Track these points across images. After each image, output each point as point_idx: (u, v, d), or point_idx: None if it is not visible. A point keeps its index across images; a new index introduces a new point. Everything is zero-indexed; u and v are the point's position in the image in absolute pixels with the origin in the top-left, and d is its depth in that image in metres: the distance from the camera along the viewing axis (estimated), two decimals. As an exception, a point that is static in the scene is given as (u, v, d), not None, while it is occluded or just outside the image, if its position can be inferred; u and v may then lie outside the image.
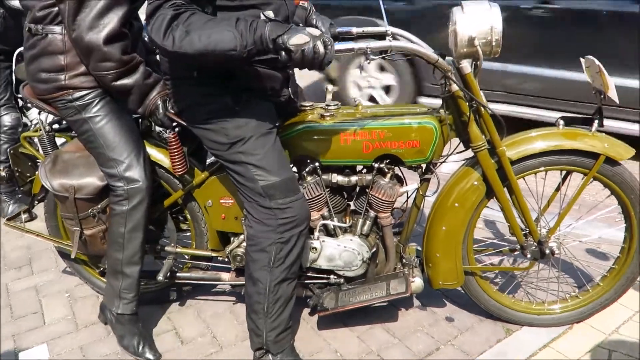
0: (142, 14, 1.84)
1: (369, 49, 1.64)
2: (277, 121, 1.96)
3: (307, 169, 2.05)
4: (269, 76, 1.86)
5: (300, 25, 1.49)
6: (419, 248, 2.30)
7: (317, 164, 2.03)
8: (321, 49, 1.48)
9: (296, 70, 1.95)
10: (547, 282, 2.42)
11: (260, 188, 1.83)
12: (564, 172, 2.09)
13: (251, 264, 1.90)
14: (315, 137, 1.99)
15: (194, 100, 1.85)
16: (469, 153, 2.01)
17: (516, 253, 2.26)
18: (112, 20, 1.83)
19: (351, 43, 1.63)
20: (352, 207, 2.20)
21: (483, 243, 2.30)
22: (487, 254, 2.36)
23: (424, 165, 2.04)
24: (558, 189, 2.15)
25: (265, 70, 1.84)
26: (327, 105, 2.08)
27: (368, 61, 1.67)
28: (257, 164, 1.82)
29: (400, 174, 2.13)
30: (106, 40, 1.83)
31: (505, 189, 2.02)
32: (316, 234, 2.10)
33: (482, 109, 1.90)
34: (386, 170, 2.01)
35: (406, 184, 2.11)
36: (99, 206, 2.06)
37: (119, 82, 1.91)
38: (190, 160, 2.12)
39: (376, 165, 2.00)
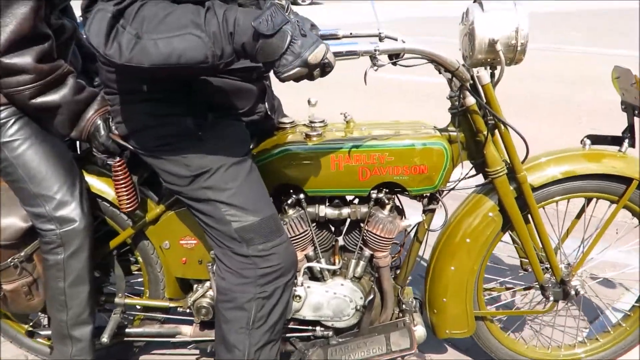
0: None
1: (377, 52, 1.28)
2: (251, 143, 1.58)
3: (288, 201, 1.67)
4: (240, 90, 1.48)
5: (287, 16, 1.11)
6: (416, 290, 1.96)
7: (301, 195, 1.66)
8: (330, 55, 1.11)
9: (273, 78, 1.58)
10: (560, 321, 2.12)
11: (234, 231, 1.44)
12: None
13: (224, 325, 1.51)
14: (299, 161, 1.62)
15: (144, 122, 1.44)
16: (479, 177, 1.69)
17: (530, 291, 1.95)
18: (12, 21, 1.38)
19: (355, 45, 1.27)
20: (341, 243, 1.84)
21: (494, 282, 1.98)
22: (498, 293, 2.05)
23: (428, 194, 1.70)
24: (579, 216, 1.86)
25: (235, 82, 1.46)
26: (312, 122, 1.71)
27: (376, 68, 1.32)
28: (229, 201, 1.43)
29: (399, 204, 1.78)
30: (5, 48, 1.39)
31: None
32: (300, 278, 1.72)
33: (502, 126, 1.58)
34: (386, 201, 1.66)
35: (405, 217, 1.77)
36: (22, 254, 1.61)
37: (39, 100, 1.46)
38: (141, 190, 1.70)
39: (374, 195, 1.64)
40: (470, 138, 1.64)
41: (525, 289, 1.95)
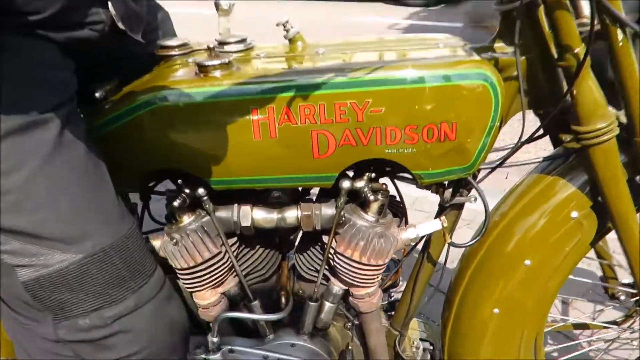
0: None
1: None
2: (71, 93, 0.73)
3: (177, 202, 0.84)
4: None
5: None
6: (424, 325, 1.17)
7: (200, 189, 0.83)
8: None
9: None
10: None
11: (24, 289, 0.64)
12: None
13: None
14: (188, 125, 0.78)
15: None
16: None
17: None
18: None
19: None
20: (292, 263, 1.04)
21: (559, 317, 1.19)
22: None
23: (452, 180, 0.87)
24: None
25: None
26: (221, 43, 0.87)
27: None
28: (7, 223, 0.62)
29: (397, 194, 0.97)
30: None
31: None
32: (213, 338, 0.92)
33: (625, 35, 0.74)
34: (369, 195, 0.83)
35: (406, 223, 0.95)
36: None
37: None
38: None
39: (345, 185, 0.82)
40: (539, 65, 0.81)
41: (610, 326, 1.15)
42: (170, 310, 0.76)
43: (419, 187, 0.87)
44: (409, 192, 0.99)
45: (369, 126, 0.76)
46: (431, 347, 1.11)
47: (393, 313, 1.07)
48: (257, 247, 0.95)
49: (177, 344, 0.79)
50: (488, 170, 0.90)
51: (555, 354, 1.26)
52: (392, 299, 1.20)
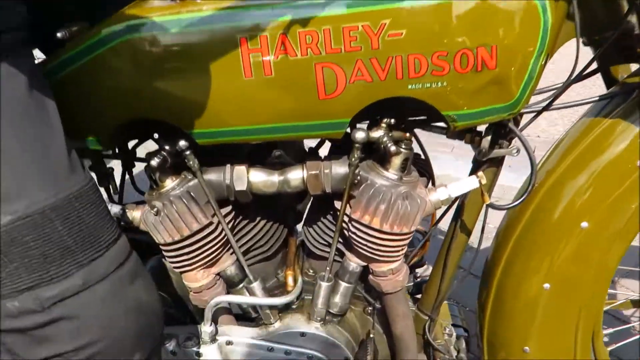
0: None
1: None
2: (17, 22, 0.58)
3: (154, 160, 0.69)
4: None
5: None
6: (458, 307, 1.02)
7: (182, 142, 0.68)
8: None
9: None
10: None
11: None
12: None
13: None
14: (164, 62, 0.63)
15: None
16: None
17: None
18: None
19: None
20: (301, 238, 0.89)
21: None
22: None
23: (492, 123, 0.72)
24: None
25: None
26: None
27: None
28: None
29: (421, 151, 0.82)
30: None
31: None
32: (207, 327, 0.77)
33: None
34: (389, 146, 0.67)
35: (433, 182, 0.80)
36: None
37: None
38: None
39: (359, 136, 0.66)
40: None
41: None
42: (134, 291, 0.60)
43: (449, 137, 0.72)
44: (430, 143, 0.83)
45: (387, 55, 0.60)
46: (466, 334, 0.96)
47: (420, 296, 0.91)
48: (257, 218, 0.81)
49: (145, 336, 0.63)
50: (532, 115, 0.74)
51: (605, 339, 1.10)
52: (419, 279, 1.05)
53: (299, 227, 0.90)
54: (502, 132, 0.74)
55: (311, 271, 0.86)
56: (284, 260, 0.88)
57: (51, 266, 0.53)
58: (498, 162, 0.78)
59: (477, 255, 0.84)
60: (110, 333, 0.57)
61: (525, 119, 0.77)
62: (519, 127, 0.74)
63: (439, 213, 0.82)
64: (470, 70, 0.61)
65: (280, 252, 0.87)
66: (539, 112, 0.74)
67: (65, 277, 0.54)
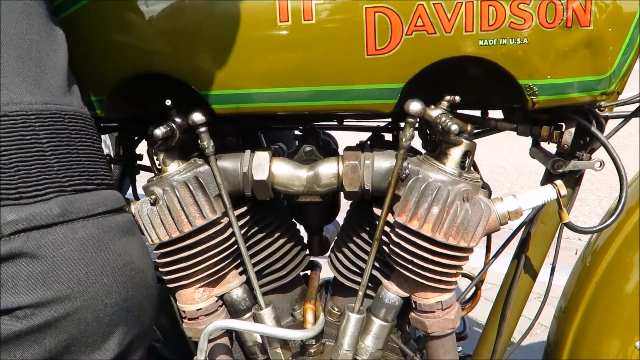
0: None
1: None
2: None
3: (160, 130, 0.56)
4: None
5: None
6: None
7: (196, 116, 0.56)
8: None
9: None
10: None
11: None
12: None
13: None
14: (176, 10, 0.52)
15: None
16: None
17: None
18: None
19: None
20: (325, 279, 0.73)
21: None
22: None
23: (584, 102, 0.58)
24: None
25: None
26: None
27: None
28: None
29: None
30: None
31: None
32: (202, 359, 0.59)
33: None
34: (449, 124, 0.53)
35: (489, 188, 0.65)
36: None
37: None
38: None
39: (415, 108, 0.53)
40: None
41: None
42: (124, 247, 0.44)
43: (519, 133, 0.59)
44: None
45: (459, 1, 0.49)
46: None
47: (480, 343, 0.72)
48: (277, 233, 0.66)
49: (131, 311, 0.44)
50: (619, 122, 0.61)
51: None
52: (460, 352, 0.86)
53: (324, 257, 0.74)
54: (580, 141, 0.61)
55: (336, 309, 0.69)
56: (303, 296, 0.71)
57: (21, 180, 0.39)
58: (575, 179, 0.63)
59: (548, 295, 0.66)
60: (87, 291, 0.41)
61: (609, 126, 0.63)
62: (605, 135, 0.61)
63: (496, 241, 0.66)
64: (559, 25, 0.49)
65: (299, 286, 0.71)
66: (627, 118, 0.61)
67: (38, 199, 0.39)
